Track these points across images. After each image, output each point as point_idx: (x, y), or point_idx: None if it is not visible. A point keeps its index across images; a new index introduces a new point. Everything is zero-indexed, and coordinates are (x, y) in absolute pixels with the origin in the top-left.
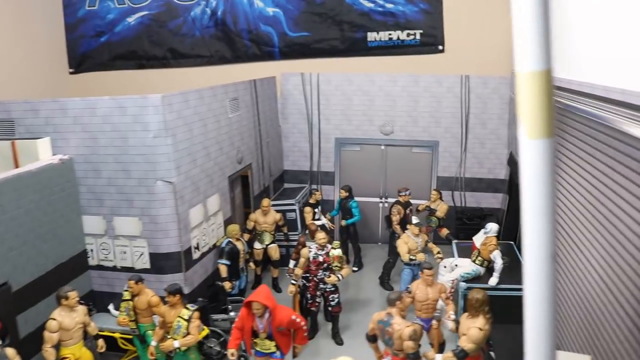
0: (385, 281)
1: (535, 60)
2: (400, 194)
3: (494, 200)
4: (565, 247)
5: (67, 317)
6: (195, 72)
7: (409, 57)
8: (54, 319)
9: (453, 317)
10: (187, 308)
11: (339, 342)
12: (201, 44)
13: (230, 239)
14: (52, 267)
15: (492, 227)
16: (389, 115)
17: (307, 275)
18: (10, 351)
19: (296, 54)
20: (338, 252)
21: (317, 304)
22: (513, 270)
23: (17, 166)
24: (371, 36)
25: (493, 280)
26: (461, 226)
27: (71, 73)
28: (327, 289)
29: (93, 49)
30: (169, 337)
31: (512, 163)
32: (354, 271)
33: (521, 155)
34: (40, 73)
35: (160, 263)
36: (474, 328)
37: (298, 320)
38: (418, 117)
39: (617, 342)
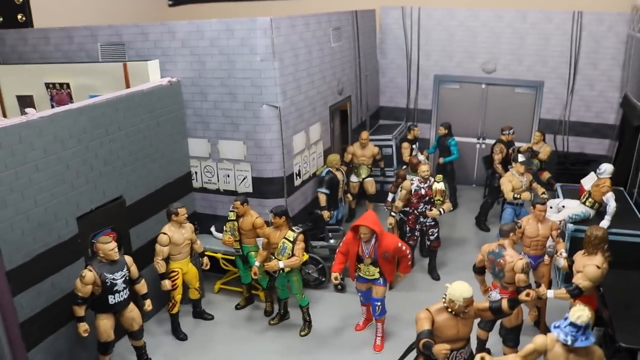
0: (482, 221)
1: None
2: (504, 132)
3: (600, 147)
4: None
5: (176, 233)
6: (296, 3)
7: None
8: (165, 233)
9: (565, 254)
10: (292, 230)
11: (436, 277)
12: None
13: (330, 169)
14: (161, 186)
15: (607, 168)
16: (492, 53)
17: (407, 208)
18: (128, 258)
19: None
20: (440, 185)
21: (415, 237)
22: (624, 215)
23: (128, 87)
24: None
25: (604, 223)
26: (563, 171)
27: (170, 5)
28: (427, 223)
29: None
30: (273, 258)
31: (626, 105)
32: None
33: None
34: (141, 5)
35: (263, 188)
36: (591, 265)
37: (404, 248)
38: (523, 56)
39: None
